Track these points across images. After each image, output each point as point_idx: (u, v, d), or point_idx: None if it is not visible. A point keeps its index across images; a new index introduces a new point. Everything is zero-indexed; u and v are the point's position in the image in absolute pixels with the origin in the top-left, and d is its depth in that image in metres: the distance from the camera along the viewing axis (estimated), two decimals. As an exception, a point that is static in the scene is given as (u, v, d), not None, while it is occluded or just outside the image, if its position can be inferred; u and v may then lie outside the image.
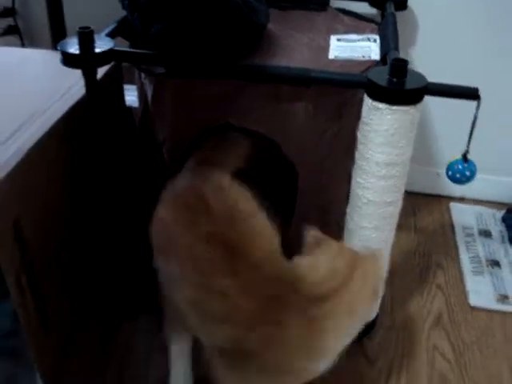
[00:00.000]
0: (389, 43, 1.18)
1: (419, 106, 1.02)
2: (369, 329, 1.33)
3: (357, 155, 1.09)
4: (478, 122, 1.70)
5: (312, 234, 0.96)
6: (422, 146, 1.73)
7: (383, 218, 1.13)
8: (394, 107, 1.00)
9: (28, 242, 1.06)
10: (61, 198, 1.18)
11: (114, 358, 1.27)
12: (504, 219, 1.72)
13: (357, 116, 1.07)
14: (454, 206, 1.78)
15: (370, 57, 1.19)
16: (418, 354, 1.32)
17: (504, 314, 1.44)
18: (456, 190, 1.79)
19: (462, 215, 1.75)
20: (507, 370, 1.31)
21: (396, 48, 1.16)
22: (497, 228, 1.71)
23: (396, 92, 1.00)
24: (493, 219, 1.74)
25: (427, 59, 1.58)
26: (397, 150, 1.04)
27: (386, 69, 1.02)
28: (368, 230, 1.14)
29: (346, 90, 1.12)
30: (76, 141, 1.20)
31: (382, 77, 1.01)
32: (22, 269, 1.05)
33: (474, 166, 1.10)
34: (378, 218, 1.13)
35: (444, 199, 1.81)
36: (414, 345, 1.35)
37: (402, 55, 1.07)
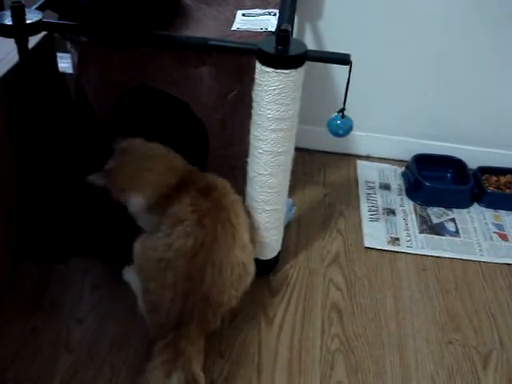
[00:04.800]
0: (283, 16, 1.36)
1: (301, 69, 1.22)
2: (272, 266, 1.54)
3: (253, 112, 1.29)
4: (381, 90, 1.96)
5: None
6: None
7: (277, 165, 1.33)
8: (279, 70, 1.19)
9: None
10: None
11: (47, 295, 1.44)
12: (403, 174, 1.95)
13: (254, 79, 1.26)
14: (360, 164, 2.00)
15: (267, 29, 1.37)
16: (315, 286, 1.54)
17: (393, 253, 1.67)
18: (362, 149, 2.01)
19: (367, 171, 1.97)
20: (391, 297, 1.53)
21: (289, 21, 1.35)
22: (396, 182, 1.93)
23: (279, 58, 1.19)
24: (393, 174, 1.96)
25: (332, 30, 1.78)
26: (283, 107, 1.24)
27: (274, 38, 1.21)
28: (265, 177, 1.34)
29: (242, 56, 1.30)
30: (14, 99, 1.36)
31: (270, 45, 1.20)
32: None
33: (350, 120, 1.31)
34: (273, 165, 1.33)
35: (352, 157, 2.02)
36: (313, 278, 1.56)
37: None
